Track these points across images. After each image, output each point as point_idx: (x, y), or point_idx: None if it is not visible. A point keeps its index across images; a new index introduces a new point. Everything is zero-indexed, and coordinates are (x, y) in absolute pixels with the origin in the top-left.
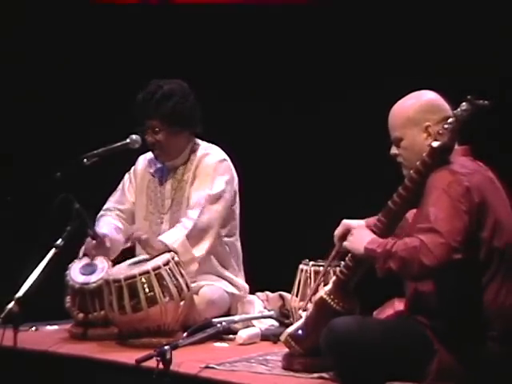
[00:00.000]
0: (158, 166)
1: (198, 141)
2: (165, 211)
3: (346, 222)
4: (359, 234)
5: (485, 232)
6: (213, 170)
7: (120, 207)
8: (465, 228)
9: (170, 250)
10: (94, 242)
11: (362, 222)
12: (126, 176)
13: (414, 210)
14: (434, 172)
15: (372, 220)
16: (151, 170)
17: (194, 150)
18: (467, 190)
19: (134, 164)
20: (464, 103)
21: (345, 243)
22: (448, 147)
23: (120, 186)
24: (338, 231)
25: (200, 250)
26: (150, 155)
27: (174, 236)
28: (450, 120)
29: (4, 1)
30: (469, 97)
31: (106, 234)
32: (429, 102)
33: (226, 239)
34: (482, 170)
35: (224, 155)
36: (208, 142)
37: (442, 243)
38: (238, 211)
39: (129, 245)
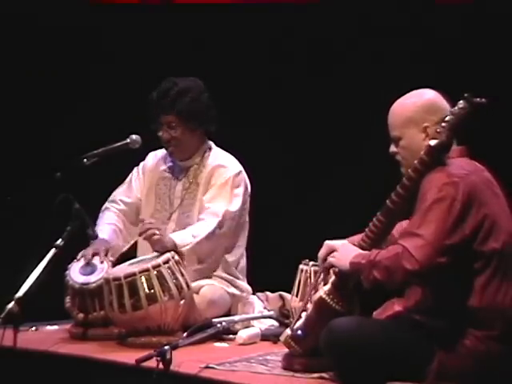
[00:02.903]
0: (169, 164)
1: (212, 144)
2: (173, 210)
3: (328, 242)
4: (345, 250)
5: (481, 233)
6: (230, 183)
7: (125, 200)
8: (453, 230)
9: (174, 250)
10: (98, 251)
11: (344, 242)
12: (135, 170)
13: (402, 222)
14: (429, 173)
15: (355, 238)
16: (162, 168)
17: (207, 152)
18: (462, 191)
19: (137, 162)
20: (461, 101)
21: (330, 259)
22: (446, 145)
23: (127, 179)
24: (321, 253)
25: (206, 262)
26: (160, 153)
27: (185, 238)
28: (447, 118)
29: (4, 1)
30: (466, 95)
31: (107, 242)
32: (428, 102)
33: (231, 249)
34: (479, 171)
35: (239, 167)
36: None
37: (423, 245)
38: (247, 221)
39: (126, 249)
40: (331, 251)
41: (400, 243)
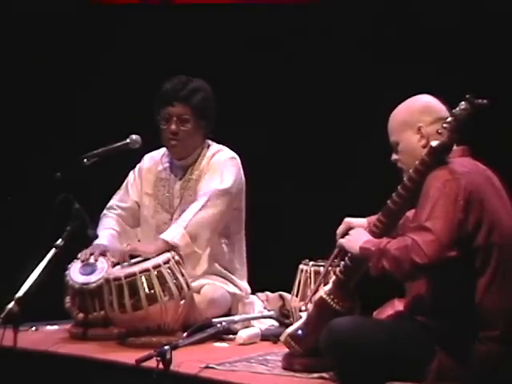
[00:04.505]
0: (167, 165)
1: (210, 142)
2: (173, 210)
3: (348, 220)
4: (356, 234)
5: (483, 231)
6: (223, 165)
7: (122, 205)
8: (459, 226)
9: (171, 249)
10: (93, 252)
11: (364, 220)
12: (131, 174)
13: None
14: (432, 171)
15: (374, 218)
16: (159, 169)
17: (204, 151)
18: (464, 188)
19: (137, 162)
20: (463, 102)
21: (341, 241)
22: (447, 146)
23: (124, 185)
24: (340, 229)
25: (200, 244)
26: (157, 154)
27: (173, 232)
28: (448, 119)
29: (4, 1)
30: (468, 96)
31: (104, 246)
32: (422, 104)
33: (229, 240)
34: (481, 170)
35: (234, 154)
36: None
37: (433, 240)
38: (243, 213)
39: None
40: (349, 228)
41: (409, 236)
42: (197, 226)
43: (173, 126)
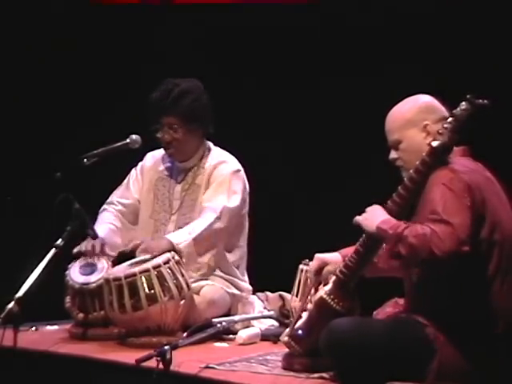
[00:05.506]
0: (168, 165)
1: (210, 144)
2: (172, 212)
3: (319, 256)
4: (374, 211)
5: (484, 229)
6: (229, 180)
7: (123, 201)
8: (471, 222)
9: (172, 249)
10: (94, 244)
11: (336, 255)
12: (133, 171)
13: None
14: (434, 171)
15: (347, 250)
16: (160, 169)
17: (206, 153)
18: (468, 186)
19: (137, 162)
20: (463, 103)
21: (358, 218)
22: (448, 146)
23: (125, 181)
24: (312, 266)
25: (204, 258)
26: (158, 153)
27: (181, 236)
28: (449, 119)
29: (4, 1)
30: (468, 96)
31: (102, 239)
32: (426, 102)
33: (230, 243)
34: (481, 170)
35: (239, 165)
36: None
37: (453, 233)
38: (246, 220)
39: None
40: (323, 264)
41: (429, 226)
42: (205, 240)
43: (165, 136)
